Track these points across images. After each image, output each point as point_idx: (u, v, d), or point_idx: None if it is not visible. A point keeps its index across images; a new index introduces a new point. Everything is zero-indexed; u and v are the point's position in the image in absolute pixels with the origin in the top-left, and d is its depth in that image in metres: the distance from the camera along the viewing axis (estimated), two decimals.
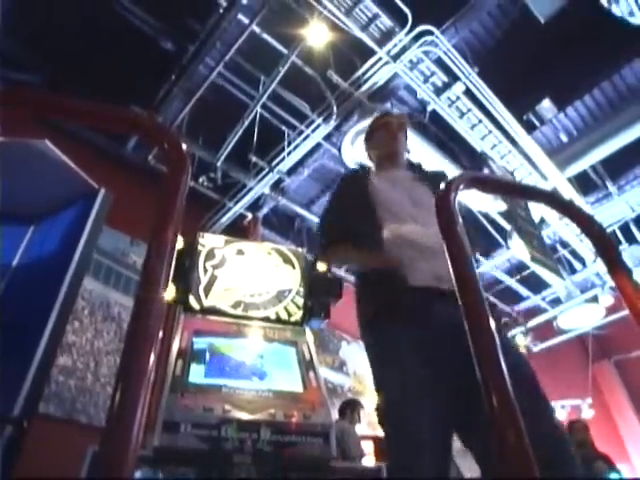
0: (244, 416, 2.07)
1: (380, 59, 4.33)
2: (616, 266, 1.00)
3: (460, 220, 0.96)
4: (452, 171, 4.88)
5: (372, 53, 4.34)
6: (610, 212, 6.24)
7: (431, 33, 4.18)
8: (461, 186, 0.89)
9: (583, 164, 5.60)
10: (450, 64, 4.37)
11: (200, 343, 2.40)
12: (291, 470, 2.01)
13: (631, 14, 4.05)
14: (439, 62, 4.43)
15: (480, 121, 4.82)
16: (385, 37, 4.21)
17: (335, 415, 4.27)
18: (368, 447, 4.27)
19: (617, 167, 6.06)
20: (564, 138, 5.81)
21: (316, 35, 4.18)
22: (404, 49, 4.23)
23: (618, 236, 6.52)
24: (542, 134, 5.84)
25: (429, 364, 1.29)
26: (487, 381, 0.75)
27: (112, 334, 4.60)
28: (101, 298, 4.66)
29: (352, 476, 2.25)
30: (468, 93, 4.61)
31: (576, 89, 5.51)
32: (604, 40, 4.49)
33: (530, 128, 5.52)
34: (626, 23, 4.10)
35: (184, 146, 0.79)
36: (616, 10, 4.05)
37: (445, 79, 4.53)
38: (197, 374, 2.23)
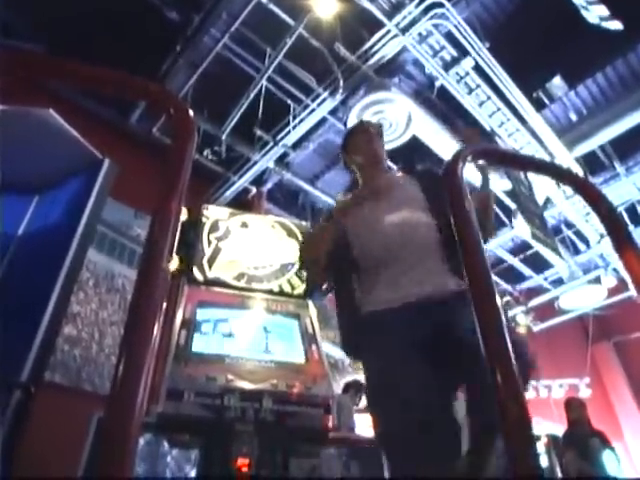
0: (247, 386, 2.11)
1: (389, 32, 4.23)
2: (623, 242, 0.99)
3: (468, 193, 0.95)
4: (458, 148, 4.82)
5: (380, 26, 4.23)
6: (617, 193, 6.18)
7: (441, 5, 4.06)
8: (469, 157, 0.87)
9: (592, 144, 5.52)
10: (460, 38, 4.26)
11: (203, 314, 2.43)
12: (292, 439, 2.06)
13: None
14: (449, 36, 4.33)
15: (489, 98, 4.74)
16: (394, 9, 4.10)
17: (337, 390, 4.33)
18: (365, 420, 4.35)
19: (626, 148, 5.98)
20: (574, 117, 5.72)
21: (324, 6, 4.08)
22: (413, 22, 4.12)
23: (624, 217, 6.48)
24: (551, 112, 5.74)
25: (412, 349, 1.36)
26: (492, 359, 0.75)
27: (116, 305, 4.64)
28: (105, 270, 4.69)
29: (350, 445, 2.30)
30: (477, 69, 4.51)
31: (588, 67, 5.39)
32: (619, 16, 4.37)
33: (540, 106, 5.42)
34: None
35: (191, 112, 0.79)
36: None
37: (454, 54, 4.43)
38: (200, 344, 2.26)
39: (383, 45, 4.34)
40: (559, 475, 3.99)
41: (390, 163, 1.91)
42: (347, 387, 4.66)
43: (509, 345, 0.76)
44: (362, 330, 1.50)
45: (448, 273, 1.48)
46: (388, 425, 1.34)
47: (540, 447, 4.45)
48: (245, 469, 1.95)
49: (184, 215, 2.77)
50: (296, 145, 5.45)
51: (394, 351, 1.38)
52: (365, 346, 1.49)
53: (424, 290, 1.45)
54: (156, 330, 0.62)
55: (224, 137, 5.22)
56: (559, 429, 4.79)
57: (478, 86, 4.64)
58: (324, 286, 2.87)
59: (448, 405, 1.36)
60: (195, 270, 2.68)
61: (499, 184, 5.52)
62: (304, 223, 3.26)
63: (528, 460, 0.68)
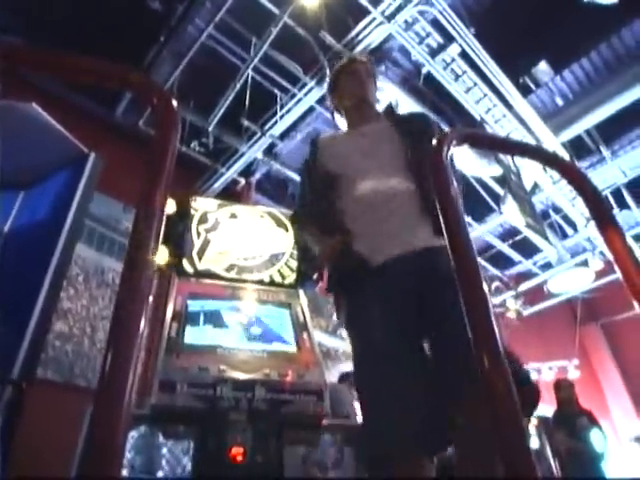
0: (239, 376, 2.12)
1: (374, 19, 4.20)
2: (607, 223, 1.01)
3: (454, 178, 0.95)
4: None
5: (366, 13, 4.21)
6: (603, 177, 6.24)
7: None
8: (454, 142, 0.88)
9: (578, 128, 5.56)
10: (446, 24, 4.26)
11: (194, 305, 2.43)
12: (285, 427, 2.08)
13: None
14: (434, 23, 4.32)
15: (475, 84, 4.75)
16: None
17: (330, 378, 4.35)
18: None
19: (611, 132, 6.03)
20: (560, 102, 5.75)
21: None
22: (399, 9, 4.10)
23: (610, 201, 6.55)
24: (538, 98, 5.77)
25: (392, 310, 1.36)
26: (478, 340, 0.76)
27: (107, 300, 4.62)
28: (95, 265, 4.66)
29: (344, 432, 2.33)
30: (464, 55, 4.52)
31: (574, 51, 5.41)
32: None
33: (526, 91, 5.45)
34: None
35: (174, 102, 0.78)
36: None
37: (440, 40, 4.42)
38: (192, 336, 2.26)
39: (369, 33, 4.31)
40: (549, 454, 4.08)
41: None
42: (345, 376, 4.67)
43: (496, 330, 0.77)
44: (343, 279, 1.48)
45: (425, 232, 1.43)
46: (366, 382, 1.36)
47: (531, 429, 4.53)
48: (240, 458, 1.97)
49: (172, 207, 2.75)
50: (284, 135, 5.43)
51: (373, 311, 1.38)
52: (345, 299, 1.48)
53: (402, 248, 1.42)
54: (143, 323, 0.62)
55: (211, 128, 5.18)
56: (549, 411, 4.87)
57: (464, 72, 4.65)
58: (315, 276, 2.88)
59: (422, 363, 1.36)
60: (185, 262, 2.68)
61: (487, 170, 5.55)
62: None
63: (517, 444, 0.69)
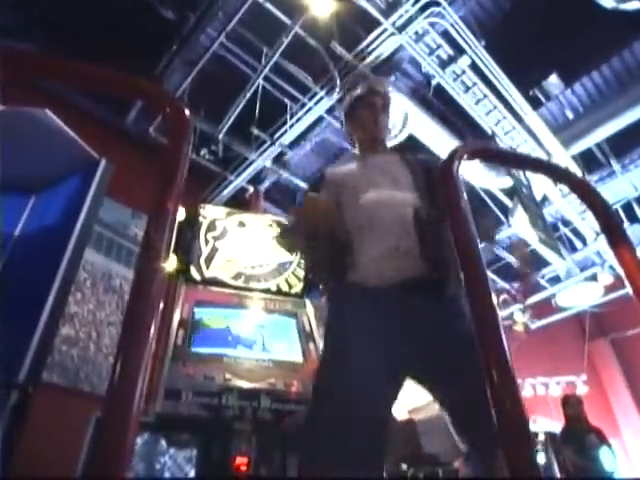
0: (245, 385, 2.11)
1: (385, 30, 4.23)
2: (618, 239, 1.00)
3: (464, 193, 0.95)
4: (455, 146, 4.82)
5: (377, 24, 4.24)
6: (613, 191, 6.20)
7: (438, 4, 4.06)
8: (465, 156, 0.88)
9: (588, 142, 5.53)
10: (456, 36, 4.27)
11: (201, 313, 2.43)
12: (290, 438, 2.06)
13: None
14: (445, 34, 4.33)
15: (485, 96, 4.75)
16: (391, 8, 4.10)
17: None
18: None
19: (622, 145, 5.99)
20: (570, 115, 5.73)
21: (320, 5, 4.08)
22: (410, 20, 4.12)
23: (620, 215, 6.50)
24: (548, 110, 5.75)
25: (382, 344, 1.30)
26: (488, 355, 0.75)
27: (114, 305, 4.63)
28: (103, 270, 4.68)
29: None
30: (474, 67, 4.52)
31: (585, 64, 5.40)
32: (616, 13, 4.37)
33: (536, 104, 5.44)
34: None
35: (187, 111, 0.78)
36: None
37: (451, 52, 4.43)
38: (198, 344, 2.26)
39: (380, 44, 4.34)
40: (557, 472, 4.01)
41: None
42: None
43: (505, 343, 0.76)
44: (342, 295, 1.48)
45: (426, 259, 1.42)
46: (322, 408, 1.26)
47: (538, 445, 4.46)
48: (244, 468, 1.96)
49: (181, 214, 2.77)
50: (293, 144, 5.45)
51: (357, 328, 1.34)
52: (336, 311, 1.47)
53: (403, 274, 1.40)
54: (153, 330, 0.61)
55: (221, 136, 5.21)
56: (557, 426, 4.80)
57: (474, 84, 4.65)
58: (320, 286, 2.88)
59: (390, 403, 1.30)
60: (193, 270, 2.69)
61: (496, 182, 5.53)
62: None
63: (525, 460, 0.68)
